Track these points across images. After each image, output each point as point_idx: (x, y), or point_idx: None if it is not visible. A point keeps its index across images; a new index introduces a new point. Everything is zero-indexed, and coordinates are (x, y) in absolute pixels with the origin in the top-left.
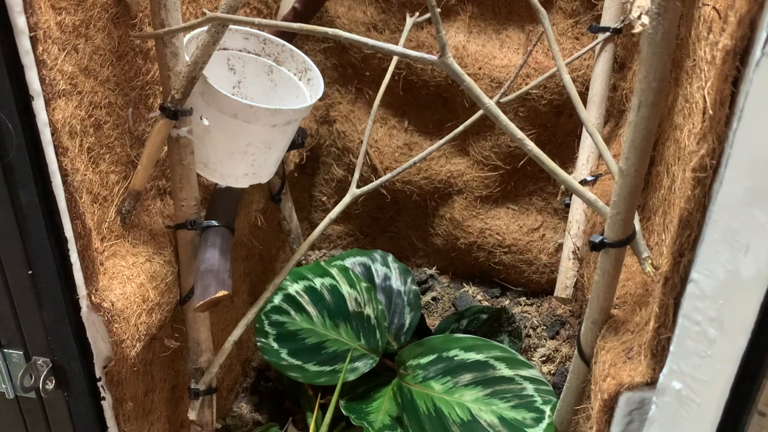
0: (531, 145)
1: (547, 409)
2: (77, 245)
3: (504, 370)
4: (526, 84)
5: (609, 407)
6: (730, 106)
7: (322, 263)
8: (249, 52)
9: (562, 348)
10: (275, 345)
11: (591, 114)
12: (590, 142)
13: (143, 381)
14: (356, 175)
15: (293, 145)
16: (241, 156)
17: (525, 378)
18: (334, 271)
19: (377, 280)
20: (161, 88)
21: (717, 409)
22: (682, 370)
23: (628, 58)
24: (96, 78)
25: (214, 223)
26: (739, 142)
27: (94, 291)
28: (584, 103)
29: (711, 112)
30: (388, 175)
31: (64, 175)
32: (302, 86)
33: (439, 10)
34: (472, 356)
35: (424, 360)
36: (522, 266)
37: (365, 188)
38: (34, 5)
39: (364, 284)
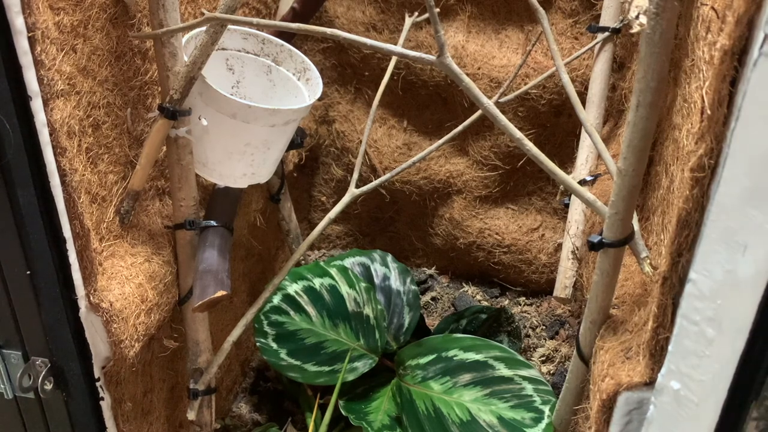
0: (530, 145)
1: (546, 409)
2: (76, 245)
3: (503, 370)
4: (526, 84)
5: (608, 407)
6: (728, 105)
7: (322, 263)
8: (248, 52)
9: (561, 348)
10: (274, 345)
11: (590, 114)
12: (589, 142)
13: (142, 381)
14: (355, 175)
15: (292, 145)
16: (239, 156)
17: (524, 378)
18: (333, 271)
19: (376, 280)
20: (160, 88)
21: (715, 409)
22: (681, 370)
23: (627, 57)
24: (94, 78)
25: (213, 223)
26: (737, 141)
27: (92, 291)
28: (583, 103)
29: (709, 111)
30: (388, 175)
31: (63, 175)
32: (301, 86)
33: (438, 10)
34: (472, 356)
35: (423, 360)
36: (521, 266)
37: (364, 188)
38: (32, 5)
39: (363, 284)
